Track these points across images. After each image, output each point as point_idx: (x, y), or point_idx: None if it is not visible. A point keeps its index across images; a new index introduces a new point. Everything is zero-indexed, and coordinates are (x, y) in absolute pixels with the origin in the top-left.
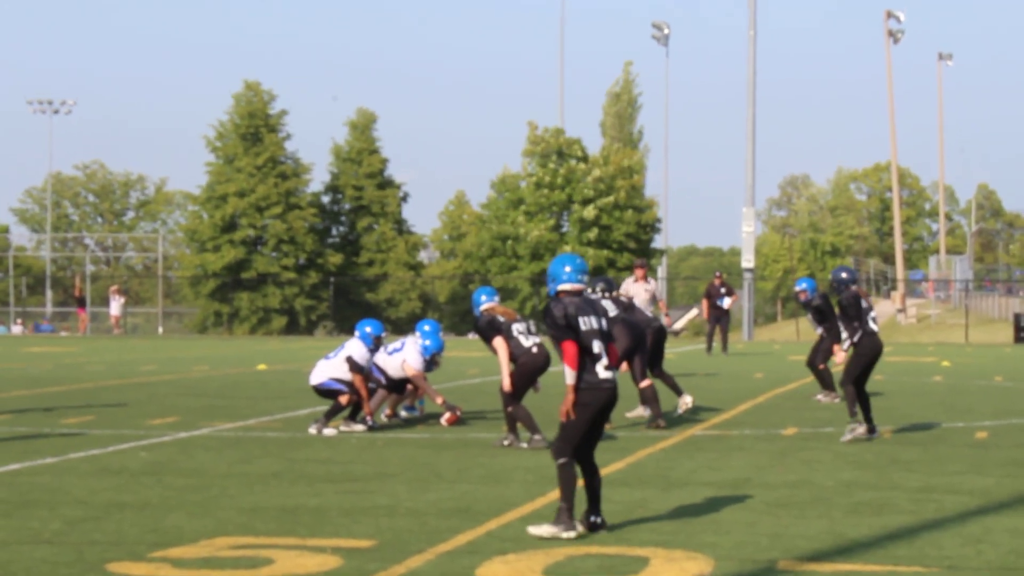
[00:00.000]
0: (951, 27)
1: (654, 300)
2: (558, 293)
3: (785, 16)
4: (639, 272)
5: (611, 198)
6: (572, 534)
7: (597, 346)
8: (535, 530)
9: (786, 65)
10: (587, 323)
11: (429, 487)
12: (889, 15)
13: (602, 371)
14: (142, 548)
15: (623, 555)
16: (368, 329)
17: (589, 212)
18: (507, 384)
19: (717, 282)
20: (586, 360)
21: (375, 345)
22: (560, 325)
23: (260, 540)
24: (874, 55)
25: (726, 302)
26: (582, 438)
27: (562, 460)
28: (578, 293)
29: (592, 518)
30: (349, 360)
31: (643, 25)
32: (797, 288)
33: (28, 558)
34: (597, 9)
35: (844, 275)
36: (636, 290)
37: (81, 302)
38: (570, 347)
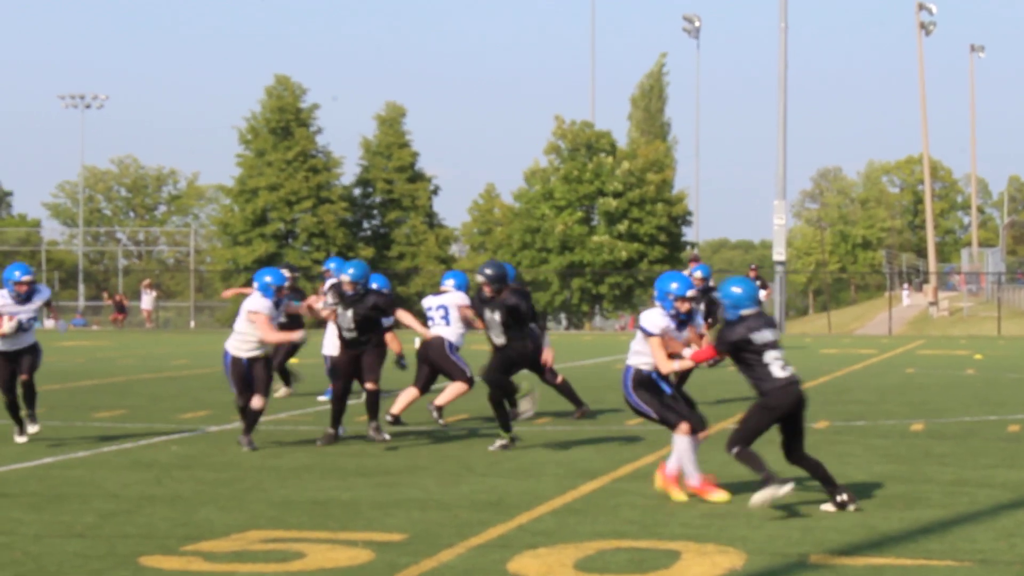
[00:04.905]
0: (983, 19)
1: None
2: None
3: (816, 8)
4: (692, 265)
5: (639, 191)
6: (788, 487)
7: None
8: (756, 499)
9: (818, 57)
10: (762, 337)
11: (460, 480)
12: (921, 7)
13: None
14: (173, 542)
15: (654, 549)
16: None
17: (610, 203)
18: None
19: (752, 275)
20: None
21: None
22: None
23: (291, 534)
24: (906, 47)
25: (762, 294)
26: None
27: (735, 450)
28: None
29: (838, 497)
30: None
31: (674, 18)
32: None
33: (60, 551)
34: (628, 2)
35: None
36: None
37: (120, 308)
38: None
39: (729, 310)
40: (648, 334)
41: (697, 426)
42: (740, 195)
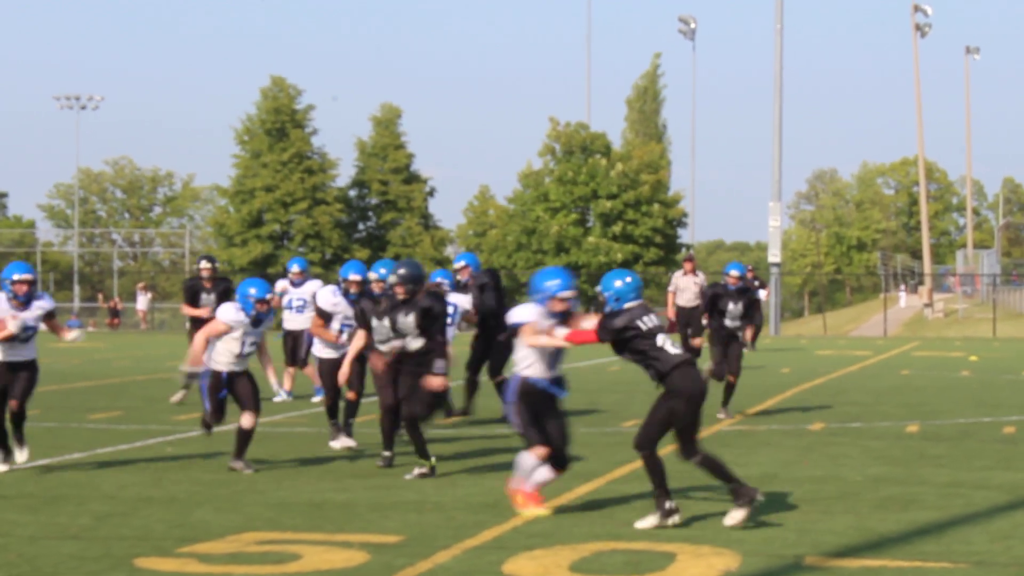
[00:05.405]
0: (978, 21)
1: (702, 293)
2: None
3: (812, 10)
4: (688, 266)
5: (634, 193)
6: (676, 518)
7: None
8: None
9: (813, 59)
10: (650, 321)
11: (456, 482)
12: (916, 9)
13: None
14: (169, 543)
15: (650, 551)
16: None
17: (604, 205)
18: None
19: (750, 275)
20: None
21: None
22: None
23: (287, 535)
24: (901, 49)
25: (761, 295)
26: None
27: (697, 459)
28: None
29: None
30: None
31: (670, 20)
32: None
33: (56, 553)
34: (624, 4)
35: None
36: (685, 283)
37: (114, 313)
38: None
39: (611, 302)
40: (518, 325)
41: (556, 464)
42: (735, 197)
